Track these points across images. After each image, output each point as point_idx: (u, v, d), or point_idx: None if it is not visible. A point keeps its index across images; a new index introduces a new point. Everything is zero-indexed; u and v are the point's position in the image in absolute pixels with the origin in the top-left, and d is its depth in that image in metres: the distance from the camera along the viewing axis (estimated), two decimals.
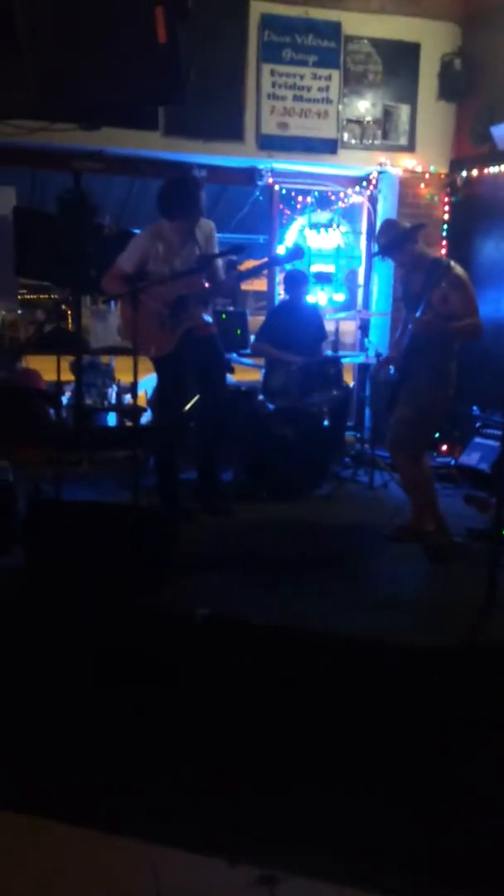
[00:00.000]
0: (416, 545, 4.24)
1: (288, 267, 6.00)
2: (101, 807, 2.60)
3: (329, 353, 5.89)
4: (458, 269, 4.15)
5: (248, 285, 6.29)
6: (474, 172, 6.22)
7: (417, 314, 4.13)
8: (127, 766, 2.78)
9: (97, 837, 2.45)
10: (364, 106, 6.32)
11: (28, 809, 2.56)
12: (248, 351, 6.28)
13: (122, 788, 2.68)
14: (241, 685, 3.04)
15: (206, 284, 4.43)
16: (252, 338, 6.22)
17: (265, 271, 6.48)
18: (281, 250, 6.59)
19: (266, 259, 5.66)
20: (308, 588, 3.69)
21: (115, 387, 6.58)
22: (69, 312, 6.41)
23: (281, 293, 6.77)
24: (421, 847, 2.49)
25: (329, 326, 6.09)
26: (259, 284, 8.05)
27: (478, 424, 5.90)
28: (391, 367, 4.45)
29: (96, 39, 3.11)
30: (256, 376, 6.36)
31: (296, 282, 5.90)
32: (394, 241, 4.32)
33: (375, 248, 4.65)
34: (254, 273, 5.07)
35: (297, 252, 4.71)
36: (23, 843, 2.43)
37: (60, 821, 2.53)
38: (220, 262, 4.54)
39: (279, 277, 6.81)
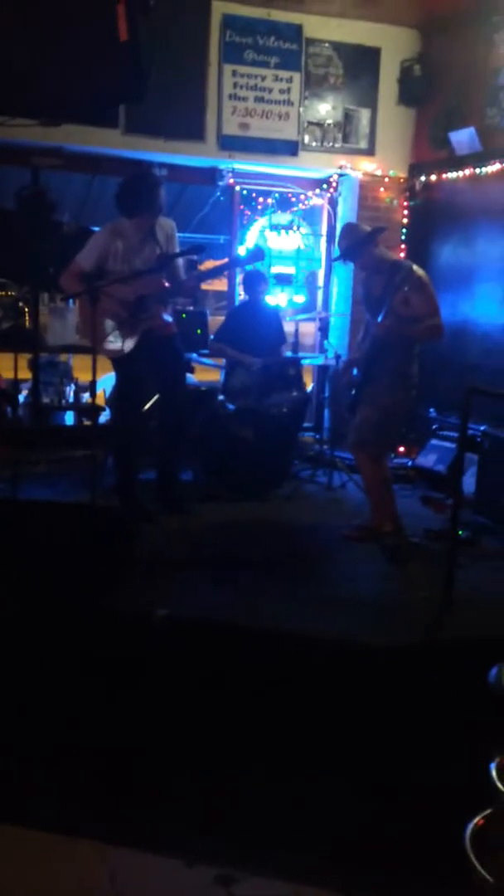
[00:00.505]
0: (374, 545, 4.27)
1: (248, 268, 6.01)
2: (56, 809, 2.58)
3: (289, 354, 5.92)
4: (419, 272, 4.20)
5: (208, 285, 6.31)
6: (433, 177, 6.30)
7: (380, 318, 4.18)
8: (82, 769, 2.75)
9: (54, 841, 2.43)
10: (325, 109, 6.36)
11: None
12: (208, 350, 6.28)
13: (78, 791, 2.66)
14: (198, 685, 3.03)
15: (167, 284, 4.41)
16: (212, 337, 6.22)
17: (226, 272, 6.48)
18: (241, 251, 6.59)
19: (227, 260, 5.66)
20: (268, 588, 3.70)
21: (73, 385, 6.52)
22: (27, 310, 6.34)
23: (241, 293, 6.78)
24: (376, 844, 2.51)
25: (289, 328, 6.11)
26: (219, 284, 8.07)
27: (434, 426, 5.97)
28: (354, 370, 4.48)
29: (57, 35, 3.09)
30: (216, 376, 6.36)
31: (255, 282, 5.90)
32: (355, 244, 4.36)
33: (336, 252, 4.68)
34: (214, 274, 5.08)
35: (258, 253, 4.72)
36: None
37: (14, 824, 2.50)
38: (180, 261, 4.53)
39: (239, 278, 6.82)
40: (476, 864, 1.92)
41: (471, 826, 2.03)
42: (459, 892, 2.04)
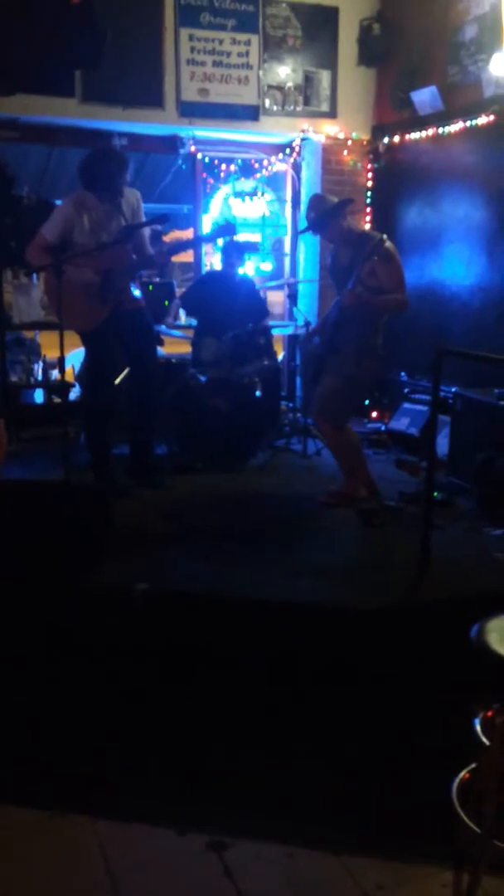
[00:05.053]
0: (350, 510, 4.29)
1: (226, 240, 5.91)
2: (44, 785, 2.58)
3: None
4: (389, 244, 4.17)
5: (175, 257, 6.21)
6: (396, 139, 6.24)
7: (349, 286, 4.15)
8: (69, 743, 2.76)
9: (40, 817, 2.43)
10: (284, 72, 6.25)
11: None
12: (178, 322, 6.22)
13: (65, 765, 2.66)
14: (182, 656, 3.04)
15: (133, 257, 4.35)
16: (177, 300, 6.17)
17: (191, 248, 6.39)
18: (208, 224, 6.49)
19: (193, 234, 5.58)
20: (247, 557, 3.71)
21: (40, 363, 6.43)
22: None
23: (208, 264, 6.72)
24: (366, 805, 2.55)
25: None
26: (186, 256, 7.97)
27: (406, 390, 5.99)
28: (316, 338, 4.47)
29: (6, 1, 2.99)
30: (186, 348, 6.31)
31: (234, 254, 5.81)
32: (322, 216, 4.32)
33: (303, 224, 4.62)
34: (181, 248, 5.04)
35: (228, 228, 4.65)
36: None
37: (2, 802, 2.49)
38: (146, 233, 4.47)
39: (206, 248, 6.75)
40: (463, 816, 1.96)
41: (457, 780, 2.07)
42: (449, 845, 2.08)
